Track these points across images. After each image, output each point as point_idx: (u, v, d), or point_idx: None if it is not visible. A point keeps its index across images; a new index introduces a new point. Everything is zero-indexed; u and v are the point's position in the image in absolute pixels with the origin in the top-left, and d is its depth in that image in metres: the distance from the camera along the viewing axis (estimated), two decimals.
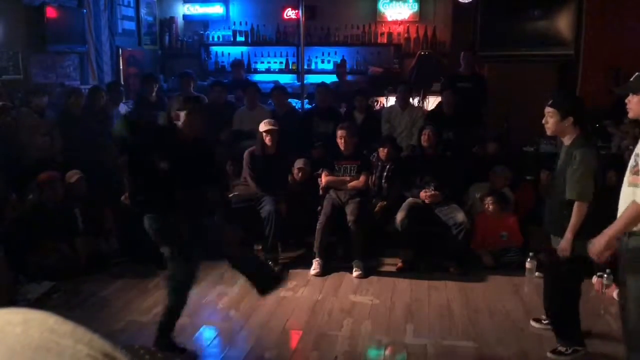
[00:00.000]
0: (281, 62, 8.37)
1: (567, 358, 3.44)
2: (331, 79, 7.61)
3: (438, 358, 3.49)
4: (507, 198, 5.26)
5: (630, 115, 2.86)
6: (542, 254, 4.39)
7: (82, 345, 0.41)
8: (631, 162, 2.75)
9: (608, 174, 3.82)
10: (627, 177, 2.76)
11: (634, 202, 2.66)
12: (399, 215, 4.92)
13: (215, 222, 3.58)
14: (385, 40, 8.06)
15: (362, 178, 5.12)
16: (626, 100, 2.86)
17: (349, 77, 8.03)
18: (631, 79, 2.86)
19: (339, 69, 7.60)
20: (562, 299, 3.46)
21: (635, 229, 2.74)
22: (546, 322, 3.76)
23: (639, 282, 2.76)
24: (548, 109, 3.29)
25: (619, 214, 2.82)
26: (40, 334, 0.41)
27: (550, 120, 3.29)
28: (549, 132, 3.38)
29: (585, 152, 3.18)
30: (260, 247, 5.20)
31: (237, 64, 7.60)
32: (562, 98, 3.43)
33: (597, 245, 2.88)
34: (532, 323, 3.88)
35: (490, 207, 5.11)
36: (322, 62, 8.04)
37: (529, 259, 4.73)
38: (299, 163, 5.45)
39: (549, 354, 3.47)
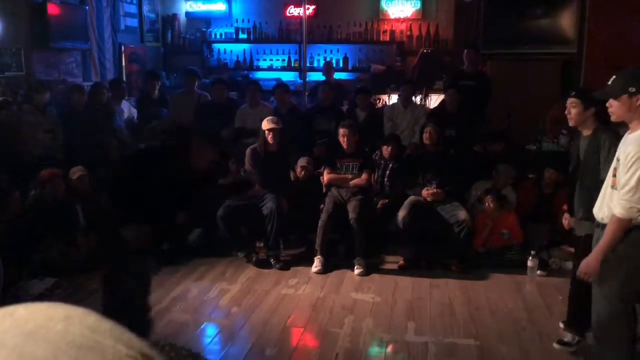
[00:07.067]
0: (283, 60, 8.35)
1: (573, 349, 3.48)
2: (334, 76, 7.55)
3: (439, 356, 3.49)
4: (506, 196, 5.25)
5: (613, 119, 2.85)
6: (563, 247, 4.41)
7: (122, 345, 0.42)
8: (613, 164, 2.78)
9: None
10: (609, 178, 2.83)
11: (614, 216, 2.71)
12: (401, 213, 4.92)
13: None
14: (387, 38, 8.04)
15: (364, 176, 5.11)
16: (607, 105, 2.84)
17: (350, 76, 8.03)
18: (609, 83, 2.84)
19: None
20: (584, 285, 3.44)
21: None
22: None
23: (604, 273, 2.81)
24: (571, 100, 3.34)
25: (597, 210, 2.90)
26: (81, 331, 0.42)
27: (573, 110, 3.33)
28: (571, 123, 3.41)
29: (612, 136, 3.25)
30: (262, 245, 5.21)
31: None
32: (585, 90, 3.50)
33: (592, 265, 2.81)
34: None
35: (490, 205, 5.11)
36: (325, 59, 8.01)
37: (530, 258, 4.73)
38: (302, 161, 5.45)
39: (555, 345, 3.52)
